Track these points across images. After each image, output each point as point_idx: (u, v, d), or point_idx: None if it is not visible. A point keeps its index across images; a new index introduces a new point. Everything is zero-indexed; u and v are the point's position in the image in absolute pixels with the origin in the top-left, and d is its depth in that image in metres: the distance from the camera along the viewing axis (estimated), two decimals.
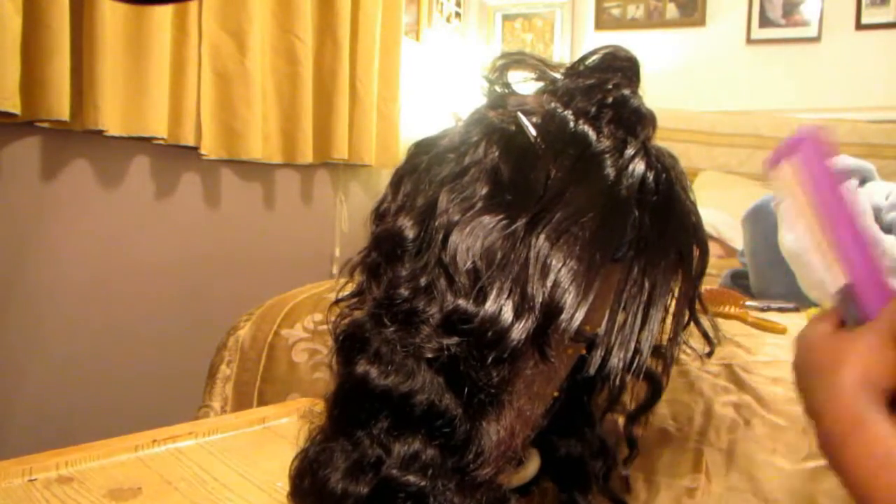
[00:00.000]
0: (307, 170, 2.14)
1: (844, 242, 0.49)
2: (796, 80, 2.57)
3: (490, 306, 0.45)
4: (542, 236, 0.46)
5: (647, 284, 0.47)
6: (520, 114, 0.49)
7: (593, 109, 0.49)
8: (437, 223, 0.48)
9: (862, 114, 2.36)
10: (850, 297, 0.49)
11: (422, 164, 0.52)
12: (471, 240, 0.46)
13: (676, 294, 0.51)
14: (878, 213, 1.44)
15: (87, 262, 1.49)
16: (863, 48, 2.51)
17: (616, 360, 0.46)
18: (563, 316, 0.45)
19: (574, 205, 0.46)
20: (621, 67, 0.51)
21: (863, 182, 1.55)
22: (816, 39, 2.57)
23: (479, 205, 0.47)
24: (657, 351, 0.50)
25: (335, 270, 2.25)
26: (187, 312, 1.71)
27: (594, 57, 0.51)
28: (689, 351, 0.95)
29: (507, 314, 0.45)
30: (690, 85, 2.60)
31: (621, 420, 0.62)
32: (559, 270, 0.45)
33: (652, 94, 0.52)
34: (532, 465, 0.60)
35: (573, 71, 0.51)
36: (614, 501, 0.67)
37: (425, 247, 0.49)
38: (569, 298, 0.45)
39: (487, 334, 0.45)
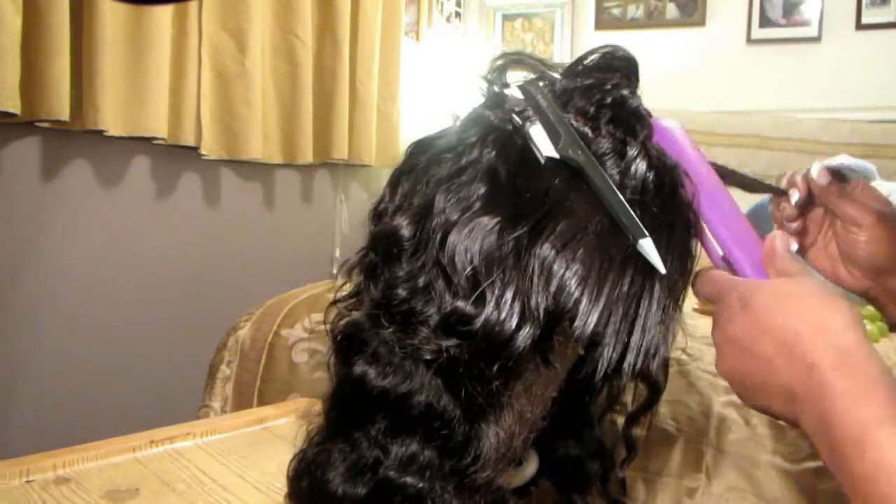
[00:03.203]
0: (307, 170, 2.14)
1: (710, 216, 0.50)
2: (796, 80, 2.57)
3: (492, 311, 0.45)
4: (546, 239, 0.45)
5: (651, 286, 0.47)
6: (527, 126, 0.48)
7: (592, 110, 0.49)
8: (434, 223, 0.47)
9: (862, 114, 2.35)
10: (730, 270, 0.49)
11: (420, 163, 0.52)
12: (469, 241, 0.46)
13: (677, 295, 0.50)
14: None
15: (86, 261, 1.49)
16: (863, 48, 2.50)
17: (617, 362, 0.46)
18: (577, 322, 0.44)
19: (577, 207, 0.46)
20: (619, 67, 0.50)
21: None
22: (817, 39, 2.57)
23: (477, 205, 0.46)
24: (658, 353, 0.49)
25: (335, 271, 2.25)
26: (187, 312, 1.71)
27: (592, 57, 0.51)
28: (689, 351, 0.95)
29: (512, 320, 0.44)
30: (690, 85, 2.59)
31: (620, 421, 0.62)
32: (564, 275, 0.44)
33: (652, 94, 0.52)
34: (530, 466, 0.60)
35: (571, 71, 0.51)
36: (612, 503, 0.67)
37: (422, 247, 0.48)
38: (581, 304, 0.44)
39: (490, 339, 0.45)
